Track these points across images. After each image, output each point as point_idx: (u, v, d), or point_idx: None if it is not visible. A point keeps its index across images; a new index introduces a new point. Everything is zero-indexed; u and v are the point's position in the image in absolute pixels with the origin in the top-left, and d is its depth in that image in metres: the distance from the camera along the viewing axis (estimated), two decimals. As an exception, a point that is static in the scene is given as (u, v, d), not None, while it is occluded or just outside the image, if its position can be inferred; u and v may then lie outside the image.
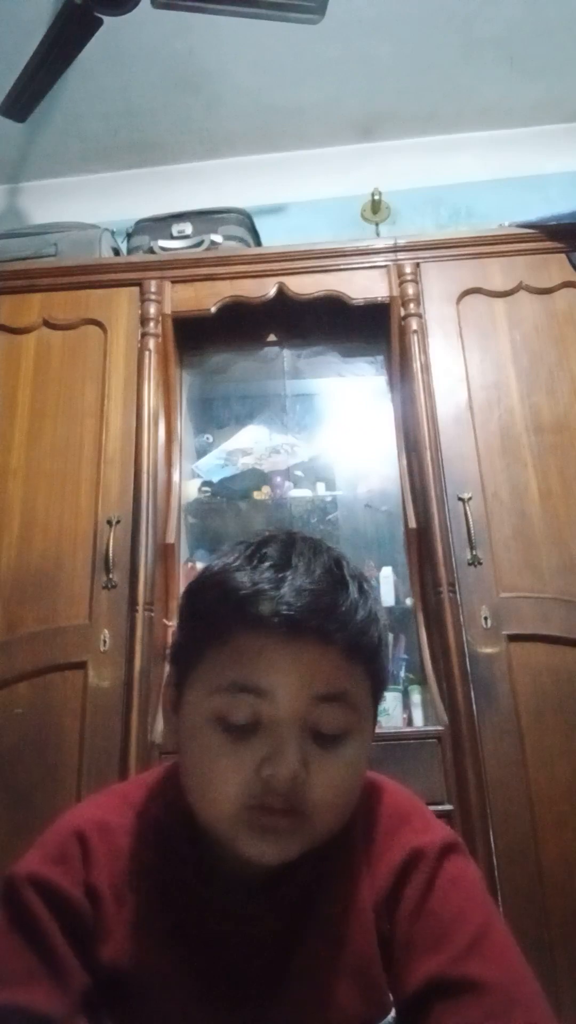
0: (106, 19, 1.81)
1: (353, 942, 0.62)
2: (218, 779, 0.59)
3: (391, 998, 0.61)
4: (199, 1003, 0.60)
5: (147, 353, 1.95)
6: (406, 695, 1.73)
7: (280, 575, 0.60)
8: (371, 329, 2.04)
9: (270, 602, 0.58)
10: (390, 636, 0.76)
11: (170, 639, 1.62)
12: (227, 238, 2.22)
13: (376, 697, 0.65)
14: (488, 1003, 0.54)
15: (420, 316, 1.94)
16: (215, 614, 0.61)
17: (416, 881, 0.62)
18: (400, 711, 1.70)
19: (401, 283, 1.98)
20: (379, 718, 1.62)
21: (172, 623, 1.77)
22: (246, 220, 2.30)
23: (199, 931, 0.62)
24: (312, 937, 0.62)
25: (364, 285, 1.99)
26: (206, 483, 2.11)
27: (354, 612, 0.60)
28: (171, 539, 1.82)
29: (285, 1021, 0.60)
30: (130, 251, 2.29)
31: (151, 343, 1.96)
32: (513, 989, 0.56)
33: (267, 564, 0.61)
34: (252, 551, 0.63)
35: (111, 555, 1.73)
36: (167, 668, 0.66)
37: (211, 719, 0.60)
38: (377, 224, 2.54)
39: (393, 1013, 0.61)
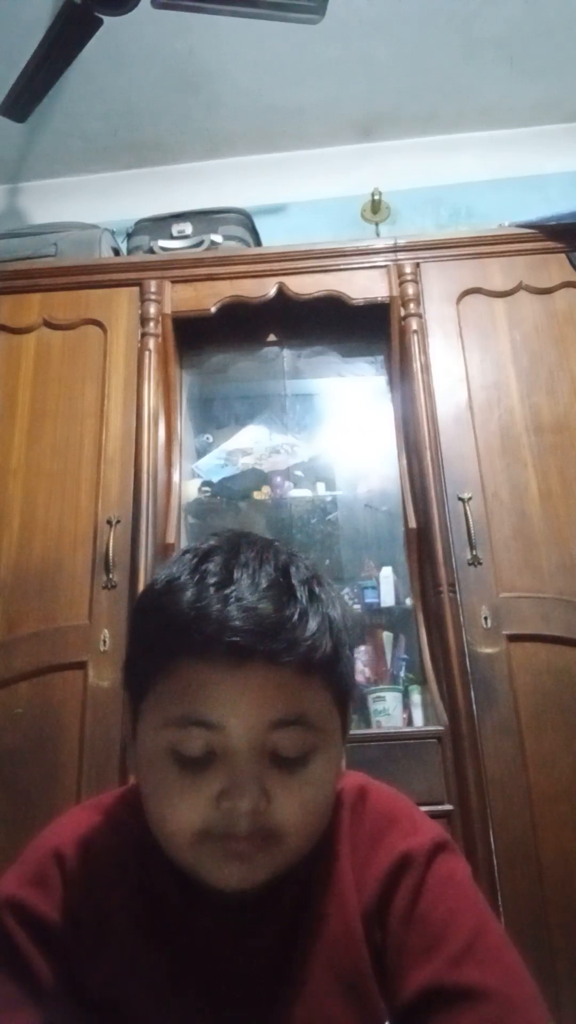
0: (106, 19, 1.81)
1: (343, 955, 0.60)
2: (175, 813, 0.56)
3: (384, 1009, 0.59)
4: (193, 1021, 0.58)
5: (147, 353, 1.95)
6: (406, 695, 1.73)
7: (223, 592, 0.55)
8: (371, 329, 2.04)
9: (215, 625, 0.54)
10: (354, 634, 0.72)
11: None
12: (227, 238, 2.22)
13: (342, 703, 0.61)
14: (485, 1011, 0.53)
15: (420, 316, 1.94)
16: (159, 643, 0.58)
17: (405, 887, 0.60)
18: (400, 711, 1.70)
19: (401, 283, 1.98)
20: (378, 718, 1.60)
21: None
22: (246, 220, 2.30)
23: (188, 950, 0.60)
24: (301, 952, 0.60)
25: (364, 285, 1.99)
26: (206, 483, 2.11)
27: (304, 627, 0.56)
28: (171, 539, 1.82)
29: None
30: (130, 251, 2.29)
31: (151, 343, 1.96)
32: (510, 994, 0.54)
33: (210, 581, 0.56)
34: (196, 563, 0.59)
35: (111, 555, 1.73)
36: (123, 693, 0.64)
37: (164, 751, 0.56)
38: (377, 224, 2.54)
39: None
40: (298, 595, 0.57)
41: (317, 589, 0.59)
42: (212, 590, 0.56)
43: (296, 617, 0.56)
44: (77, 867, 0.61)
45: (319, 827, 0.59)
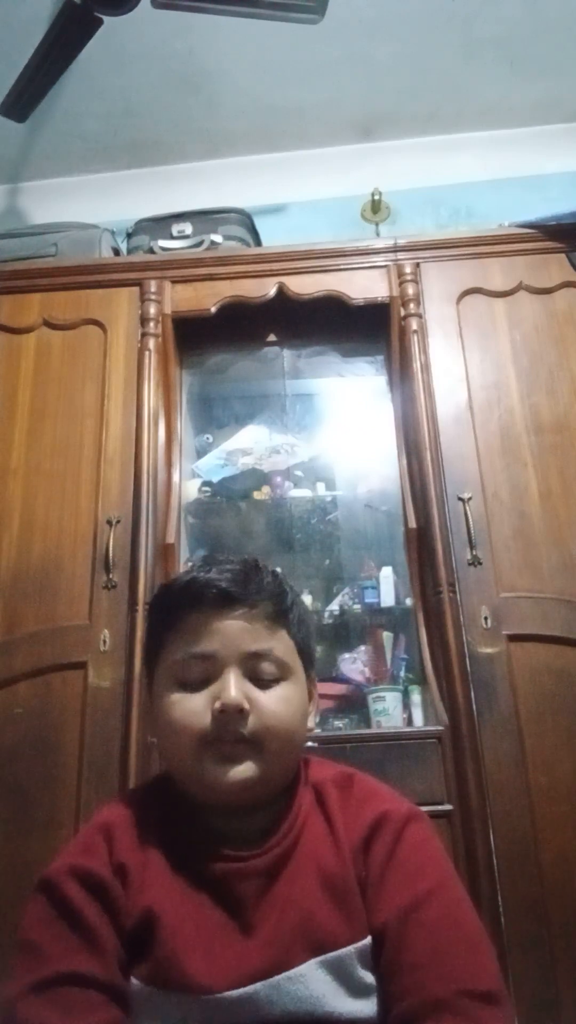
0: (106, 19, 1.81)
1: (334, 878, 0.74)
2: (180, 722, 0.75)
3: (365, 922, 0.73)
4: (215, 931, 0.71)
5: (147, 353, 1.95)
6: (406, 695, 1.73)
7: (208, 567, 0.81)
8: (371, 329, 2.04)
9: (202, 582, 0.78)
10: (310, 618, 0.93)
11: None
12: (227, 238, 2.22)
13: (304, 658, 0.83)
14: (438, 938, 0.69)
15: (420, 316, 1.94)
16: (165, 607, 0.82)
17: (384, 836, 0.76)
18: (400, 711, 1.70)
19: (401, 283, 1.98)
20: (378, 718, 1.63)
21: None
22: (246, 220, 2.30)
23: (207, 875, 0.74)
24: (297, 870, 0.75)
25: (364, 285, 1.99)
26: (206, 483, 2.11)
27: (269, 584, 0.80)
28: (171, 539, 1.82)
29: (280, 940, 0.70)
30: (130, 251, 2.29)
31: (151, 343, 1.96)
32: (460, 934, 0.69)
33: (199, 565, 0.83)
34: (191, 565, 0.86)
35: (111, 555, 1.73)
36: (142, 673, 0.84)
37: (172, 684, 0.78)
38: (377, 224, 2.54)
39: (370, 937, 0.72)
40: (261, 569, 0.82)
41: (281, 577, 0.83)
42: (200, 568, 0.82)
43: (260, 577, 0.80)
44: (121, 834, 0.76)
45: (290, 740, 0.77)
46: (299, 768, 0.83)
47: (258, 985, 0.68)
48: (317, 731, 1.55)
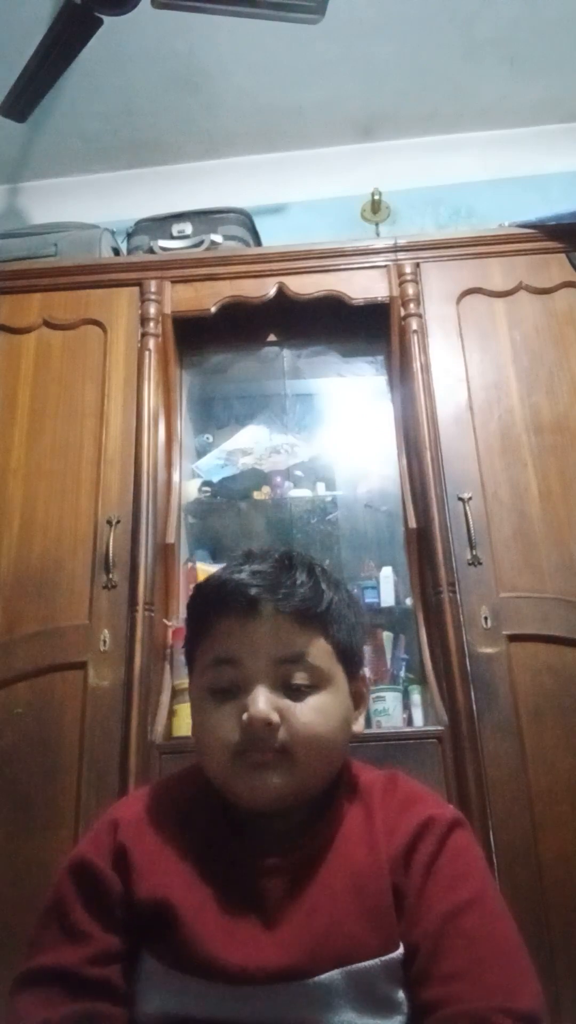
0: (106, 19, 1.81)
1: (368, 885, 0.71)
2: (212, 734, 0.74)
3: (397, 938, 0.70)
4: (237, 921, 0.70)
5: (147, 353, 1.95)
6: (406, 695, 1.73)
7: (241, 568, 0.77)
8: (371, 329, 2.04)
9: (233, 585, 0.75)
10: (362, 618, 0.89)
11: (170, 639, 1.65)
12: (227, 238, 2.21)
13: (345, 659, 0.79)
14: (475, 952, 0.66)
15: (420, 316, 1.94)
16: (199, 612, 0.80)
17: (428, 842, 0.73)
18: (400, 711, 1.70)
19: (401, 283, 1.98)
20: (378, 718, 1.62)
21: (172, 623, 1.77)
22: (246, 220, 2.30)
23: (230, 867, 0.74)
24: (328, 874, 0.73)
25: (364, 285, 1.99)
26: (206, 483, 2.11)
27: (299, 586, 0.76)
28: (171, 539, 1.82)
29: (304, 944, 0.68)
30: (130, 251, 2.29)
31: (151, 343, 1.96)
32: (498, 948, 0.67)
33: (234, 564, 0.79)
34: (228, 562, 0.81)
35: (111, 555, 1.72)
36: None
37: (205, 691, 0.77)
38: (377, 224, 2.54)
39: (401, 949, 0.69)
40: (296, 568, 0.78)
41: (317, 571, 0.79)
42: (233, 569, 0.78)
43: (292, 579, 0.76)
44: (128, 824, 0.77)
45: (325, 751, 0.74)
46: (341, 770, 0.80)
47: (279, 986, 0.66)
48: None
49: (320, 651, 0.76)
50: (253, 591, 0.74)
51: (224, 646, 0.75)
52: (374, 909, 0.70)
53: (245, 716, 0.71)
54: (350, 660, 0.80)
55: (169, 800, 0.81)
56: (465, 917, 0.67)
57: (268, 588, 0.75)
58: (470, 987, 0.63)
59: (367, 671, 0.83)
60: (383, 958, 0.68)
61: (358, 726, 0.81)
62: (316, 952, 0.68)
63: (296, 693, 0.74)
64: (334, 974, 0.67)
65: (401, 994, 0.68)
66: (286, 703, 0.73)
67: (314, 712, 0.73)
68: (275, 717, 0.71)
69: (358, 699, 0.82)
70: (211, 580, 0.80)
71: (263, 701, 0.72)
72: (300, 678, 0.74)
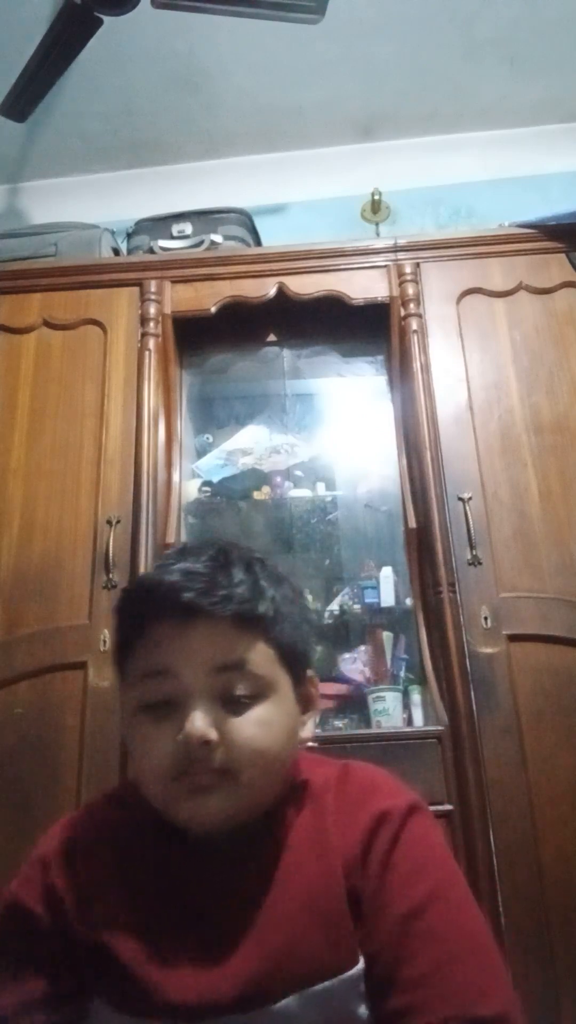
0: (106, 19, 1.81)
1: (322, 895, 0.67)
2: (150, 758, 0.66)
3: (356, 948, 0.66)
4: (182, 953, 0.66)
5: (147, 353, 1.95)
6: (406, 695, 1.73)
7: (173, 566, 0.69)
8: (371, 329, 2.04)
9: (165, 589, 0.67)
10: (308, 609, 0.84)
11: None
12: (227, 238, 2.21)
13: (289, 663, 0.72)
14: (440, 949, 0.62)
15: (420, 316, 1.94)
16: (130, 616, 0.71)
17: (383, 837, 0.68)
18: (400, 711, 1.70)
19: (401, 283, 1.98)
20: (378, 718, 1.61)
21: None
22: (246, 220, 2.30)
23: (169, 892, 0.69)
24: (281, 891, 0.68)
25: (364, 285, 1.99)
26: (206, 483, 2.11)
27: (237, 587, 0.68)
28: (171, 539, 1.82)
29: (257, 973, 0.64)
30: (130, 251, 2.29)
31: (151, 343, 1.96)
32: (463, 939, 0.63)
33: (166, 563, 0.71)
34: (163, 557, 0.74)
35: (111, 555, 1.73)
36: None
37: (136, 707, 0.69)
38: (377, 224, 2.54)
39: (362, 963, 0.65)
40: (232, 566, 0.69)
41: (256, 567, 0.71)
42: (166, 567, 0.70)
43: (229, 578, 0.68)
44: (58, 862, 0.72)
45: (270, 767, 0.68)
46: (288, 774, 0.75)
47: (233, 1018, 0.62)
48: (317, 731, 1.55)
49: (262, 656, 0.69)
50: (186, 595, 0.66)
51: (156, 656, 0.68)
52: (329, 922, 0.66)
53: (180, 736, 0.65)
54: (295, 662, 0.73)
55: (100, 826, 0.75)
56: (425, 916, 0.63)
57: (203, 591, 0.67)
58: (435, 993, 0.59)
59: (312, 671, 0.77)
60: (344, 976, 0.64)
61: (307, 731, 0.75)
62: (270, 980, 0.63)
63: (236, 706, 0.67)
64: (290, 1001, 0.63)
65: (363, 1009, 0.64)
66: (226, 719, 0.66)
67: (256, 726, 0.67)
68: (213, 735, 0.65)
69: (307, 702, 0.75)
70: (140, 582, 0.74)
71: (200, 718, 0.65)
72: (241, 688, 0.67)
